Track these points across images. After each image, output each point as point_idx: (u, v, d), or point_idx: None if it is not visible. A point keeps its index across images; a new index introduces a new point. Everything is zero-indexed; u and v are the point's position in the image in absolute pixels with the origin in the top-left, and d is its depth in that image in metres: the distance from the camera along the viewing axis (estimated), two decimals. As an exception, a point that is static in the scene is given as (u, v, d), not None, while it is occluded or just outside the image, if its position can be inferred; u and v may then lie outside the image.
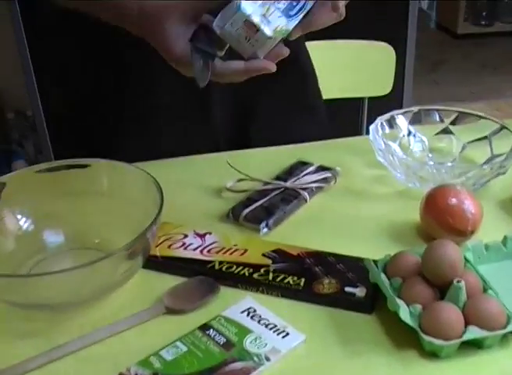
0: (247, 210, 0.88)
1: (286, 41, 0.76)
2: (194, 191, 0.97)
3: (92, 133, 1.11)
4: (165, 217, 0.76)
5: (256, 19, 0.71)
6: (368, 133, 0.99)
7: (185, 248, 0.81)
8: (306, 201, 0.92)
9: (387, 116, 1.03)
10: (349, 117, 1.67)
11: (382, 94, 1.64)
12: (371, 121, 1.01)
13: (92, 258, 0.82)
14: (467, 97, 3.57)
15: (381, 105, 1.62)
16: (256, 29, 0.71)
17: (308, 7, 0.74)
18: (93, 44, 1.01)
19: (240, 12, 0.70)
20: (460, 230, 0.79)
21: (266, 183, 0.95)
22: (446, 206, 0.80)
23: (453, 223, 0.79)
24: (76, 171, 0.85)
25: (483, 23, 4.46)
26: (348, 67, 1.60)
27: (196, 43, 0.74)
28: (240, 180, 0.96)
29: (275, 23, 0.72)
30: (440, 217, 0.80)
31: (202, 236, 0.83)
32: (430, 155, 1.04)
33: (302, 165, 1.01)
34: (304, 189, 0.93)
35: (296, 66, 1.12)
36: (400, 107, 2.53)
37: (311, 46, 1.18)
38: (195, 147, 1.07)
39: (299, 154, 1.05)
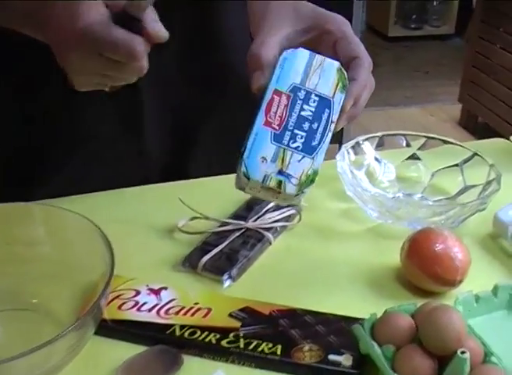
0: (205, 258, 0.77)
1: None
2: (140, 231, 0.85)
3: (13, 163, 0.95)
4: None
5: (272, 182, 0.59)
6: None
7: (138, 309, 0.69)
8: (270, 243, 0.82)
9: (352, 142, 0.95)
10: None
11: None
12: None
13: (28, 323, 0.71)
14: (400, 101, 3.55)
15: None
16: (277, 191, 0.60)
17: (333, 117, 0.64)
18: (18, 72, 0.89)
19: (252, 180, 0.59)
20: (449, 280, 0.71)
21: (224, 224, 0.84)
22: (433, 254, 0.71)
23: (441, 273, 0.71)
24: (5, 216, 0.73)
25: (413, 26, 4.48)
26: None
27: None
28: (193, 218, 0.85)
29: (297, 173, 0.60)
30: (426, 266, 0.71)
31: (157, 292, 0.72)
32: (399, 186, 0.96)
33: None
34: (267, 229, 0.83)
35: (240, 84, 1.00)
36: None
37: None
38: (126, 181, 0.94)
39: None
